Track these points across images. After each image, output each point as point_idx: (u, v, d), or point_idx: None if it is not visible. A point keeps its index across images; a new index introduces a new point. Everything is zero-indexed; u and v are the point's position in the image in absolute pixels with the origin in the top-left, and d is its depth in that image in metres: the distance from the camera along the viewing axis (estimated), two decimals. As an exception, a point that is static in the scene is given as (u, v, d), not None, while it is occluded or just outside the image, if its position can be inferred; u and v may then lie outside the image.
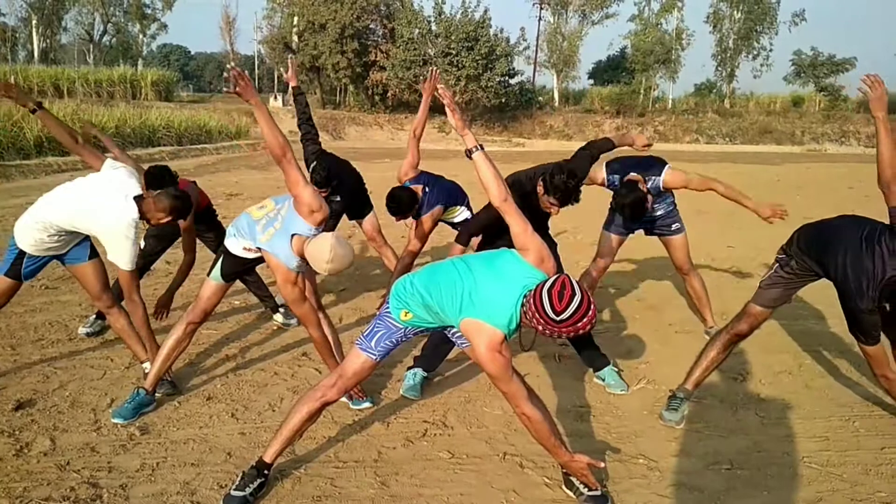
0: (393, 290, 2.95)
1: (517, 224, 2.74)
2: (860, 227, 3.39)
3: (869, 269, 3.23)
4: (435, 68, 4.86)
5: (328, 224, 4.94)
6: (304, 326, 3.63)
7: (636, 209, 4.53)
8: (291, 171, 3.19)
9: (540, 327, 2.48)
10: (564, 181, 3.72)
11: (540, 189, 3.84)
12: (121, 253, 3.61)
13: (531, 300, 2.49)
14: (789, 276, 3.64)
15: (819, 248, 3.49)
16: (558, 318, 2.43)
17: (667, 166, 4.76)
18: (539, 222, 4.06)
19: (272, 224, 3.38)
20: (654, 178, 4.71)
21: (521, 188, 3.99)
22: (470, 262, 2.81)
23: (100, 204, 3.59)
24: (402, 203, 4.91)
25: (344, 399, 3.75)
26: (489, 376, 2.74)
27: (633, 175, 4.71)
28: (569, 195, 3.78)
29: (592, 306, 2.46)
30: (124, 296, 3.82)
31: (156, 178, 4.23)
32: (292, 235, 3.27)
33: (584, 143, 4.46)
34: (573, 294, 2.43)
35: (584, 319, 2.44)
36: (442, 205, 5.10)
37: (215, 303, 3.77)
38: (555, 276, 2.51)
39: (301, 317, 3.54)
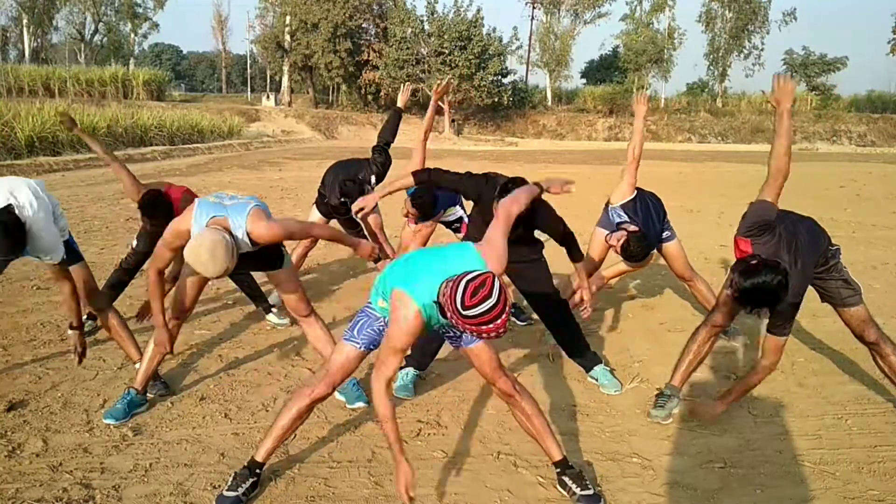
0: (375, 280, 2.96)
1: (500, 228, 2.86)
2: (801, 222, 3.58)
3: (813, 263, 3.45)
4: (450, 79, 4.91)
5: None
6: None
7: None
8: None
9: (448, 313, 2.41)
10: (504, 185, 3.78)
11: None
12: None
13: (449, 284, 2.41)
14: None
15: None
16: (464, 312, 2.33)
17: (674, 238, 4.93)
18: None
19: (223, 199, 3.41)
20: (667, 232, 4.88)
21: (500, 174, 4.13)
22: (430, 253, 2.82)
23: None
24: (425, 206, 4.97)
25: (340, 397, 3.76)
26: (387, 336, 2.69)
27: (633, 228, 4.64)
28: (496, 188, 3.82)
29: (502, 316, 2.35)
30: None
31: (144, 208, 4.35)
32: (221, 216, 3.29)
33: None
34: (488, 296, 2.32)
35: (490, 325, 2.34)
36: (445, 207, 5.17)
37: (193, 298, 3.71)
38: (481, 271, 2.43)
39: (154, 267, 3.55)
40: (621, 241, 4.49)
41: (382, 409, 2.67)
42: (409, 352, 4.13)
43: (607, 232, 4.96)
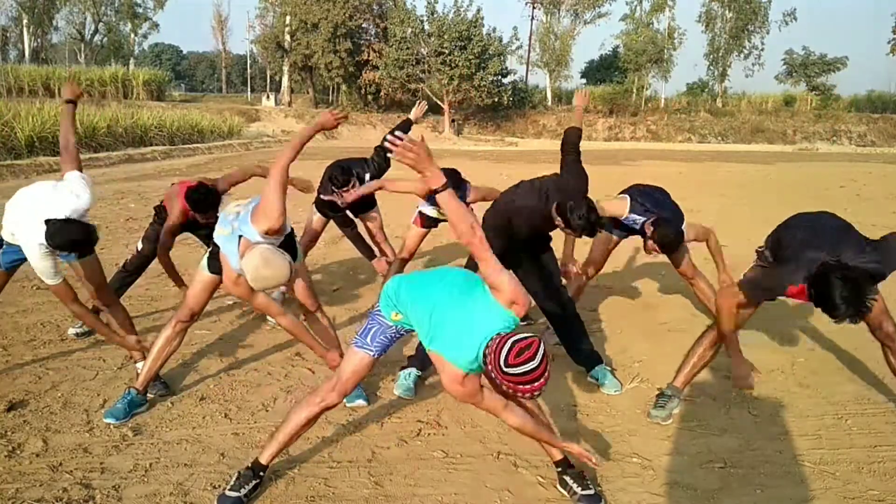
0: (383, 289, 2.96)
1: (487, 263, 2.57)
2: (817, 218, 3.53)
3: (811, 240, 3.35)
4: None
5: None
6: (269, 315, 3.62)
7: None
8: (274, 172, 3.20)
9: (489, 366, 2.49)
10: (587, 218, 3.79)
11: (559, 221, 3.91)
12: (38, 270, 3.59)
13: (495, 342, 2.49)
14: (767, 268, 3.73)
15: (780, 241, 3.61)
16: (505, 369, 2.41)
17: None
18: (545, 236, 4.16)
19: (231, 223, 3.37)
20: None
21: (530, 200, 4.04)
22: (448, 288, 2.78)
23: (22, 219, 3.54)
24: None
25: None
26: (455, 397, 2.78)
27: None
28: (593, 228, 3.86)
29: (541, 380, 2.43)
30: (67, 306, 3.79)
31: (199, 203, 4.32)
32: (240, 237, 3.26)
33: (562, 144, 4.32)
34: (532, 358, 2.40)
35: (528, 385, 2.42)
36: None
37: (203, 301, 3.74)
38: (528, 335, 2.49)
39: (260, 308, 3.56)
40: (654, 244, 4.54)
41: (519, 425, 2.83)
42: (414, 353, 4.17)
43: (612, 236, 5.00)
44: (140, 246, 4.90)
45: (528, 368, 2.39)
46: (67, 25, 41.71)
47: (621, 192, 4.93)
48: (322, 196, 5.42)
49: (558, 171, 4.26)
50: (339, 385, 2.93)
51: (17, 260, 3.85)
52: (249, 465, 2.93)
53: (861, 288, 3.07)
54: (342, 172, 5.16)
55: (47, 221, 3.42)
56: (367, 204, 5.72)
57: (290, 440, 2.97)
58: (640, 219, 4.72)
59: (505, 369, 2.41)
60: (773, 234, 3.76)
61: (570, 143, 4.26)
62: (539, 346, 2.44)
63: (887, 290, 3.61)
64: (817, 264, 3.20)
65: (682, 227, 4.71)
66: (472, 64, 33.54)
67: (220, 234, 3.41)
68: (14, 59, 40.94)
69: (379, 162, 5.45)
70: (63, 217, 3.46)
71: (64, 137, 3.92)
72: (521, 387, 2.42)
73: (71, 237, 3.43)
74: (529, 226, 4.06)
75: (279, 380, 4.17)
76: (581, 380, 4.27)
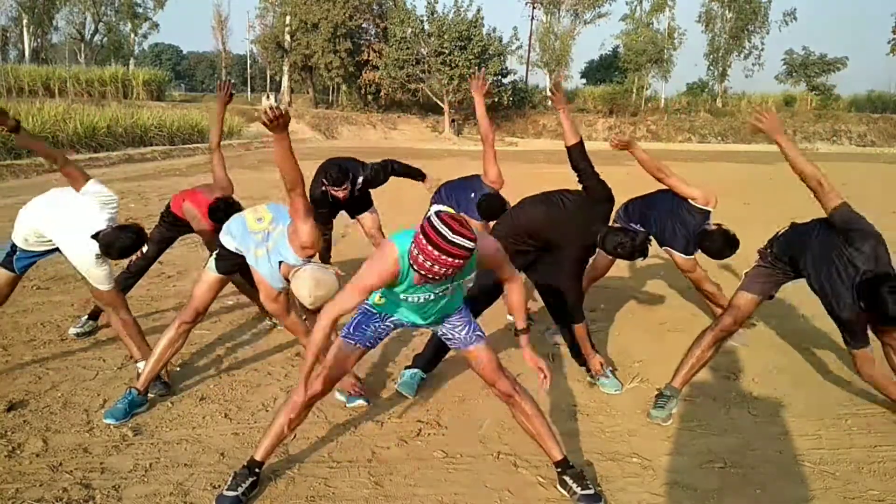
0: None
1: None
2: (820, 230, 3.50)
3: (835, 273, 3.31)
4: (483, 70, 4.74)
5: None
6: (296, 336, 3.72)
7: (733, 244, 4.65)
8: (298, 202, 3.14)
9: (418, 229, 2.49)
10: (638, 249, 3.77)
11: (606, 254, 3.97)
12: (95, 279, 3.77)
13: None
14: (770, 267, 3.75)
15: (791, 255, 3.61)
16: (430, 218, 2.45)
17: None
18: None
19: (263, 245, 3.42)
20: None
21: (575, 239, 3.99)
22: None
23: (69, 233, 3.68)
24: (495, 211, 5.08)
25: (340, 397, 3.77)
26: (357, 274, 2.69)
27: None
28: (645, 252, 3.84)
29: (449, 257, 2.40)
30: (111, 313, 3.96)
31: (224, 220, 4.31)
32: (279, 262, 3.33)
33: (572, 165, 4.07)
34: (456, 233, 2.41)
35: (431, 248, 2.40)
36: None
37: (208, 302, 3.76)
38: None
39: (288, 328, 3.69)
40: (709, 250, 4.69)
41: (319, 337, 2.69)
42: (420, 353, 4.16)
43: None
44: (145, 248, 4.89)
45: (448, 235, 2.40)
46: (67, 25, 41.62)
47: (618, 210, 4.99)
48: (312, 191, 5.41)
49: (579, 187, 4.10)
50: (325, 372, 2.95)
51: (30, 264, 4.00)
52: (245, 463, 2.94)
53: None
54: (338, 170, 5.18)
55: (96, 236, 3.57)
56: (364, 204, 5.73)
57: (283, 433, 2.96)
58: (694, 249, 4.82)
59: (431, 218, 2.44)
60: (787, 242, 3.71)
61: (579, 161, 4.01)
62: (471, 229, 2.46)
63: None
64: (856, 285, 3.23)
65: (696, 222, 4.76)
66: (472, 64, 33.52)
67: (256, 256, 3.45)
68: (14, 59, 40.94)
69: (377, 169, 5.48)
70: (107, 227, 3.61)
71: (51, 156, 3.90)
72: (425, 244, 2.42)
73: (126, 244, 3.58)
74: (571, 260, 4.05)
75: (279, 380, 4.17)
76: (581, 380, 4.27)
